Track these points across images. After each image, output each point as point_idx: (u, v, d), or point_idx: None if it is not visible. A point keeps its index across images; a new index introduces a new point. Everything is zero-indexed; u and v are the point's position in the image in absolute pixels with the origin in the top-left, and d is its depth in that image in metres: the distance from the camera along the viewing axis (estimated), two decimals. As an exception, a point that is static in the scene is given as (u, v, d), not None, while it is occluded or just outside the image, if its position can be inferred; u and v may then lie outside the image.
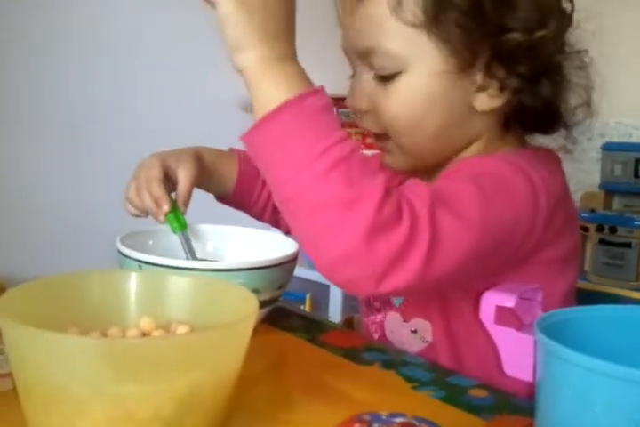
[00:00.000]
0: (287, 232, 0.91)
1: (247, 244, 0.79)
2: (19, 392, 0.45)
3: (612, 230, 1.91)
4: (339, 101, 2.21)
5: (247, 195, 0.88)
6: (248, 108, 2.31)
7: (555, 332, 0.40)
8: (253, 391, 0.56)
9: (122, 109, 1.91)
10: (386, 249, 0.50)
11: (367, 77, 0.68)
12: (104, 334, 0.52)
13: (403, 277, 0.51)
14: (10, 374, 0.51)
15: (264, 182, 0.86)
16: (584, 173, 2.02)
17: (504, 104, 0.67)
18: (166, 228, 0.77)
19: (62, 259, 1.76)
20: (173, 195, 0.77)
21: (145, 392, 0.43)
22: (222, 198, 0.88)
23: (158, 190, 0.75)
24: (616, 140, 2.06)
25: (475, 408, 0.55)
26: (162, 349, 0.43)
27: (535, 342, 0.41)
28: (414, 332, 0.72)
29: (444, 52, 0.64)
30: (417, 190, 0.56)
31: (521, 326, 0.45)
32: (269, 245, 0.76)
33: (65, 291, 0.54)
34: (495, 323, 0.45)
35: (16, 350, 0.44)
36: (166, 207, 0.74)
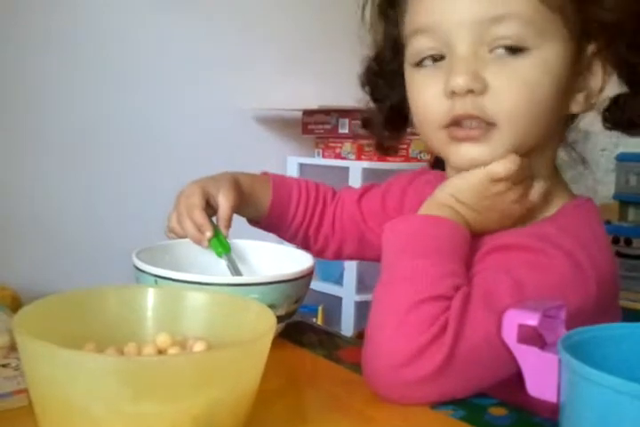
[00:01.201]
0: (317, 255, 0.91)
1: (263, 258, 0.78)
2: (34, 409, 0.45)
3: (628, 242, 1.89)
4: (351, 113, 2.19)
5: (280, 219, 0.87)
6: (260, 119, 2.32)
7: (579, 350, 0.39)
8: (270, 408, 0.55)
9: (134, 122, 1.91)
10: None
11: (476, 54, 0.62)
12: (120, 351, 0.52)
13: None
14: (26, 390, 0.51)
15: (297, 207, 0.88)
16: (598, 184, 2.01)
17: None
18: (182, 242, 0.76)
19: (78, 273, 1.76)
20: (214, 219, 0.78)
21: (163, 411, 0.42)
22: (255, 222, 0.88)
23: (200, 217, 0.76)
24: (631, 150, 2.05)
25: (495, 427, 0.54)
26: (180, 367, 0.42)
27: (559, 362, 0.40)
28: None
29: (567, 37, 0.62)
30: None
31: (544, 345, 0.44)
32: (285, 259, 0.76)
33: (82, 306, 0.53)
34: (518, 342, 0.44)
35: (32, 366, 0.44)
36: (209, 233, 0.75)
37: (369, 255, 0.89)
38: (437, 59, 0.65)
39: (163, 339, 0.53)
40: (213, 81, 2.06)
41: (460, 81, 0.61)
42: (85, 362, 0.42)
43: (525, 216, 0.67)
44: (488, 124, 0.63)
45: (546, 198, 0.68)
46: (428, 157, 2.20)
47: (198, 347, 0.52)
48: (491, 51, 0.62)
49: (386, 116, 0.78)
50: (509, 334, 0.45)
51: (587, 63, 0.65)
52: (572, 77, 0.64)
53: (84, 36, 1.82)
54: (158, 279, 0.63)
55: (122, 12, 1.88)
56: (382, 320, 0.59)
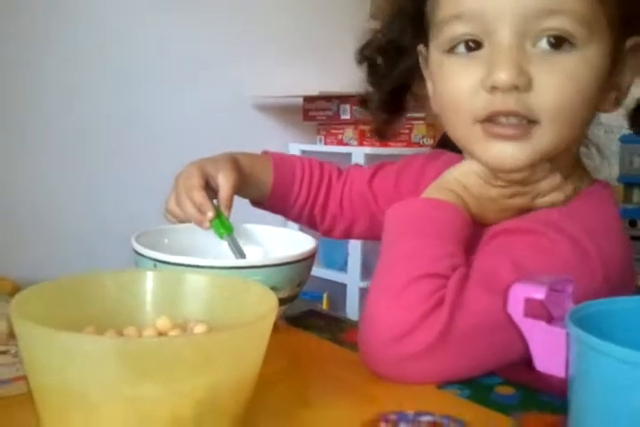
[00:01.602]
0: (324, 234, 0.91)
1: (264, 241, 0.78)
2: (33, 395, 0.44)
3: (632, 224, 1.88)
4: (352, 98, 2.19)
5: (284, 199, 0.86)
6: (261, 106, 2.32)
7: (587, 324, 0.38)
8: (273, 391, 0.55)
9: (135, 111, 1.91)
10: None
11: (521, 47, 0.58)
12: (120, 334, 0.51)
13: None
14: (24, 378, 0.50)
15: (300, 185, 0.86)
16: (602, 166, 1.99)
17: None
18: (181, 226, 0.75)
19: (77, 259, 1.76)
20: (215, 202, 0.76)
21: (163, 394, 0.41)
22: (258, 203, 0.87)
23: (200, 197, 0.74)
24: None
25: (502, 406, 0.53)
26: (180, 348, 0.41)
27: (567, 335, 0.39)
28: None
29: (610, 33, 0.60)
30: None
31: (551, 320, 0.44)
32: (287, 241, 0.75)
33: (80, 291, 0.52)
34: (524, 316, 0.43)
35: (31, 351, 0.43)
36: (211, 213, 0.74)
37: (380, 234, 0.88)
38: (472, 47, 0.61)
39: (163, 322, 0.53)
40: (214, 69, 2.05)
41: (505, 76, 0.57)
42: (83, 344, 0.41)
43: (528, 210, 0.66)
44: (529, 122, 0.59)
45: (560, 188, 0.65)
46: (430, 141, 2.19)
47: (199, 329, 0.51)
48: (535, 44, 0.58)
49: (383, 99, 0.75)
50: (515, 309, 0.44)
51: (622, 61, 0.63)
52: (609, 75, 0.62)
53: (83, 35, 1.81)
54: (158, 263, 0.62)
55: (119, 6, 1.87)
56: (378, 295, 0.59)
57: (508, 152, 0.60)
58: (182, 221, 0.77)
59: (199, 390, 0.42)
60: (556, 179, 0.64)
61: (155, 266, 0.63)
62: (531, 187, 0.64)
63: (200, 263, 0.61)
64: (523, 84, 0.57)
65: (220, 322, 0.52)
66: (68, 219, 1.82)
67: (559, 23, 0.58)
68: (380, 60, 0.75)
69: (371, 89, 0.77)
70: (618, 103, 0.66)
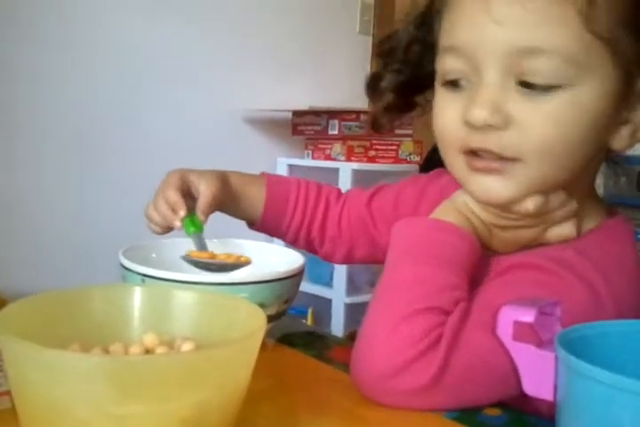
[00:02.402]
0: (325, 259, 0.89)
1: (253, 257, 0.77)
2: (18, 411, 0.44)
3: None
4: (341, 114, 2.20)
5: (278, 220, 0.84)
6: (250, 120, 2.32)
7: (576, 348, 0.38)
8: (260, 409, 0.54)
9: (124, 121, 1.90)
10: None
11: (503, 84, 0.57)
12: (106, 351, 0.50)
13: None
14: (8, 393, 0.50)
15: (295, 207, 0.84)
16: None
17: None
18: (170, 241, 0.75)
19: (64, 273, 1.74)
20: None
21: (149, 412, 0.41)
22: (252, 224, 0.85)
23: (174, 195, 0.73)
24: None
25: (489, 427, 0.53)
26: (166, 366, 0.41)
27: (556, 359, 0.39)
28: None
29: (617, 70, 0.57)
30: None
31: (540, 343, 0.44)
32: (275, 258, 0.75)
33: (66, 306, 0.52)
34: (513, 339, 0.44)
35: (15, 366, 0.43)
36: (182, 212, 0.72)
37: (382, 259, 0.85)
38: (462, 85, 0.60)
39: (150, 339, 0.52)
40: (203, 82, 2.05)
41: (478, 114, 0.56)
42: (69, 362, 0.40)
43: (543, 238, 0.63)
44: (508, 160, 0.58)
45: (573, 218, 0.62)
46: (417, 158, 2.20)
47: (186, 347, 0.51)
48: (518, 83, 0.56)
49: (398, 82, 0.71)
50: (505, 332, 0.44)
51: (636, 97, 0.59)
52: (617, 111, 0.59)
53: (79, 37, 1.80)
54: (146, 278, 0.62)
55: (115, 15, 1.87)
56: (374, 327, 0.58)
57: (492, 186, 0.59)
58: (161, 227, 0.75)
59: (186, 409, 0.42)
60: (571, 207, 0.61)
61: (142, 281, 0.62)
62: (542, 218, 0.61)
63: (188, 279, 0.61)
64: (497, 123, 0.56)
65: (208, 339, 0.51)
66: (55, 226, 1.80)
67: (543, 64, 0.55)
68: (399, 55, 0.70)
69: (384, 71, 0.72)
70: (634, 140, 0.61)
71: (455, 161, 0.62)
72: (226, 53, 2.09)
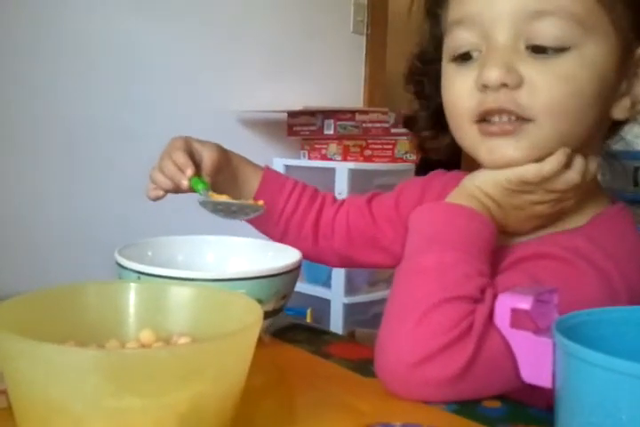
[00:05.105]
0: (318, 259, 0.87)
1: (249, 254, 0.77)
2: (14, 409, 0.43)
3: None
4: (336, 114, 2.20)
5: (271, 202, 0.82)
6: (245, 121, 2.31)
7: (574, 334, 0.38)
8: (259, 404, 0.54)
9: (117, 122, 1.90)
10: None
11: (514, 48, 0.59)
12: (102, 347, 0.50)
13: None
14: (4, 392, 0.49)
15: (290, 195, 0.85)
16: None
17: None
18: (166, 239, 0.75)
19: (60, 272, 1.74)
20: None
21: (146, 406, 0.41)
22: None
23: (182, 156, 0.74)
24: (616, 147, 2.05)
25: (489, 419, 0.53)
26: (162, 360, 0.41)
27: (554, 346, 0.39)
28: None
29: (616, 35, 0.59)
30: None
31: (538, 330, 0.43)
32: (271, 254, 0.74)
33: (62, 303, 0.52)
34: (511, 326, 0.43)
35: (11, 363, 0.42)
36: (190, 171, 0.73)
37: (378, 261, 0.84)
38: (473, 56, 0.62)
39: (146, 335, 0.52)
40: (198, 83, 2.05)
41: (493, 74, 0.58)
42: (65, 357, 0.40)
43: (555, 219, 0.65)
44: (523, 120, 0.59)
45: (579, 206, 0.64)
46: (413, 157, 2.20)
47: (182, 342, 0.50)
48: (528, 46, 0.59)
49: (430, 114, 0.74)
50: (502, 319, 0.44)
51: (635, 66, 0.62)
52: (618, 79, 0.61)
53: (68, 40, 1.80)
54: (141, 276, 0.62)
55: (108, 17, 1.86)
56: (403, 313, 0.57)
57: (505, 148, 0.60)
58: (166, 189, 0.76)
59: (183, 403, 0.41)
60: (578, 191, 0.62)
61: (138, 278, 0.62)
62: (556, 194, 0.62)
63: (184, 275, 0.61)
64: (512, 82, 0.58)
65: (205, 334, 0.51)
66: (50, 228, 1.79)
67: (550, 26, 0.58)
68: (424, 81, 0.74)
69: (417, 108, 0.76)
70: (633, 111, 0.63)
71: (468, 130, 0.63)
72: (220, 55, 2.09)
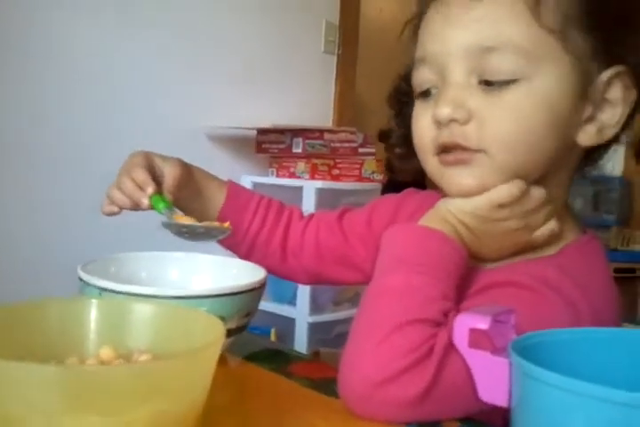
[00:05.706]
0: (287, 277, 0.87)
1: (213, 271, 0.77)
2: (-32, 427, 0.43)
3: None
4: (305, 132, 2.21)
5: (237, 217, 0.82)
6: (213, 137, 2.31)
7: (529, 354, 0.39)
8: (219, 423, 0.54)
9: (82, 137, 1.88)
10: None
11: (466, 84, 0.62)
12: (61, 364, 0.50)
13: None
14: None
15: (256, 211, 0.84)
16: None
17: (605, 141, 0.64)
18: (130, 255, 0.74)
19: (19, 290, 1.70)
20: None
21: (105, 424, 0.40)
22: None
23: (142, 174, 0.73)
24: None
25: (448, 439, 0.53)
26: (121, 377, 0.40)
27: (510, 365, 0.40)
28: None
29: (572, 64, 0.60)
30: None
31: (495, 350, 0.44)
32: (236, 271, 0.74)
33: (20, 319, 0.51)
34: (469, 346, 0.44)
35: (-34, 380, 0.42)
36: (151, 189, 0.72)
37: (349, 278, 0.84)
38: (434, 92, 0.65)
39: (106, 352, 0.51)
40: (166, 99, 2.04)
41: (444, 111, 0.61)
42: (23, 372, 0.39)
43: (526, 249, 0.65)
44: (476, 152, 0.62)
45: (555, 218, 0.65)
46: (380, 177, 2.22)
47: (143, 360, 0.50)
48: (480, 81, 0.61)
49: (405, 133, 0.74)
50: (461, 339, 0.45)
51: (600, 91, 0.62)
52: (579, 106, 0.62)
53: (52, 52, 1.79)
54: (103, 292, 0.61)
55: (71, 28, 1.85)
56: (368, 332, 0.57)
57: (461, 176, 0.63)
58: (123, 207, 0.74)
59: (142, 421, 0.41)
60: (550, 208, 0.64)
61: (100, 295, 0.61)
62: (526, 219, 0.63)
63: (146, 292, 0.60)
64: (461, 118, 0.61)
65: (166, 352, 0.51)
66: (12, 244, 1.77)
67: (497, 59, 0.60)
68: (408, 101, 0.74)
69: (394, 125, 0.79)
70: (602, 137, 0.63)
71: (430, 161, 0.66)
72: (190, 70, 2.09)
